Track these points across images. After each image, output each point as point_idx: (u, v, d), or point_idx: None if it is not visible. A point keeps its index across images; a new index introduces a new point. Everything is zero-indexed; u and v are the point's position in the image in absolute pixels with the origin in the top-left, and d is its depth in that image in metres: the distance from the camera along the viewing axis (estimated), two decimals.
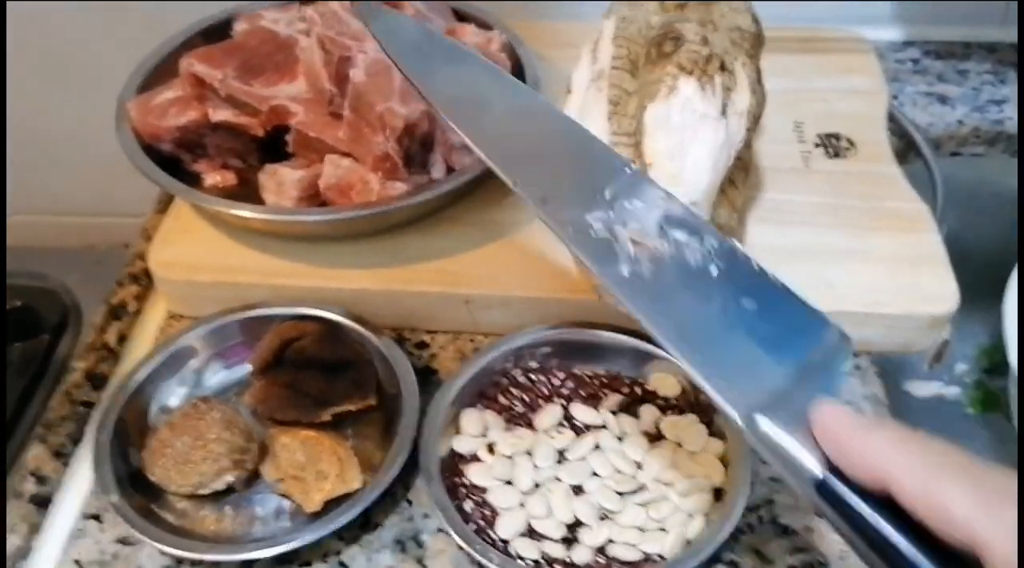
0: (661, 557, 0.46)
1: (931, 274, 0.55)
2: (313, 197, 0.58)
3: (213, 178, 0.62)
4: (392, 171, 0.56)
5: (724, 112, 0.52)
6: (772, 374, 0.35)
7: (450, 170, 0.59)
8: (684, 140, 0.50)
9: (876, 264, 0.56)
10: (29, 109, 0.92)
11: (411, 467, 0.49)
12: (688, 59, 0.52)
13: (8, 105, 0.92)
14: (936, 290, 0.55)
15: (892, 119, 0.70)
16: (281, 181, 0.57)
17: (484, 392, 0.53)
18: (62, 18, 0.85)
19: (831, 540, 0.48)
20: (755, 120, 0.55)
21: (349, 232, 0.58)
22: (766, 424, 0.33)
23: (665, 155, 0.49)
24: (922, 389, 0.76)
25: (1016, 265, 0.60)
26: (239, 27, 0.64)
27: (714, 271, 0.38)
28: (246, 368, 0.55)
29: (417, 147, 0.56)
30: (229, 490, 0.50)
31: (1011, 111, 0.75)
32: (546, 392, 0.53)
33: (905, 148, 0.72)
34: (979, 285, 0.59)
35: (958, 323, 0.77)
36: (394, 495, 0.50)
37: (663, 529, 0.47)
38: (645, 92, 0.52)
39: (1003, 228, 0.74)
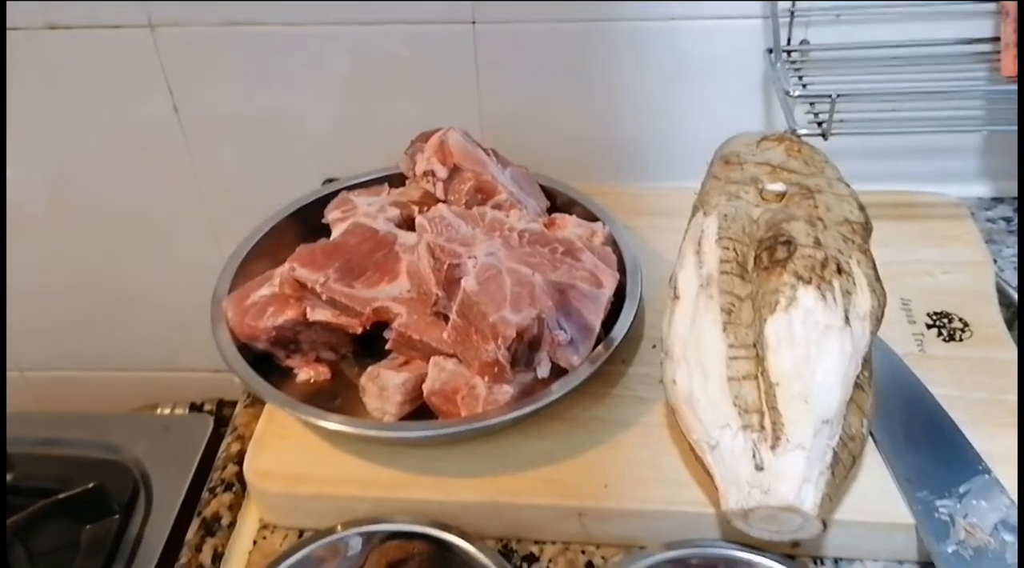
0: None
1: None
2: (415, 399, 0.56)
3: (306, 374, 0.60)
4: (499, 375, 0.54)
5: (847, 319, 0.50)
6: None
7: (555, 366, 0.57)
8: (810, 355, 0.48)
9: (1010, 469, 0.52)
10: (101, 268, 0.93)
11: None
12: (804, 266, 0.51)
13: (78, 265, 0.92)
14: None
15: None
16: (384, 386, 0.55)
17: None
18: (147, 182, 0.86)
19: None
20: (878, 321, 0.53)
21: (453, 441, 0.56)
22: None
23: (792, 374, 0.47)
24: None
25: None
26: (332, 216, 0.64)
27: None
28: None
29: (525, 348, 0.54)
30: None
31: None
32: None
33: (1011, 317, 0.69)
34: None
35: None
36: None
37: None
38: (762, 302, 0.50)
39: None
